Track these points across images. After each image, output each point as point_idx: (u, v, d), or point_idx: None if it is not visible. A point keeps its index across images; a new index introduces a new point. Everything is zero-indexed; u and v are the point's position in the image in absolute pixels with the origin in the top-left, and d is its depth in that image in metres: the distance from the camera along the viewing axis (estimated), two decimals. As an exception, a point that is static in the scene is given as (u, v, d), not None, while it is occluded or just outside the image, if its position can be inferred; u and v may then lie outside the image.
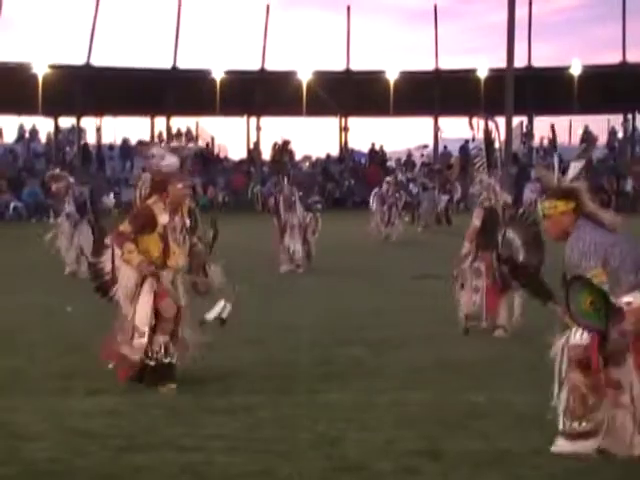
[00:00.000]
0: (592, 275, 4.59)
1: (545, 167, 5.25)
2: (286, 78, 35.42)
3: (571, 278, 4.63)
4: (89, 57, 34.50)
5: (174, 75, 35.41)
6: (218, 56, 36.09)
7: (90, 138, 37.50)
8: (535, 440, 5.02)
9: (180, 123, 38.19)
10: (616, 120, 37.27)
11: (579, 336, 4.70)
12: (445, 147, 37.23)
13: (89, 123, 37.29)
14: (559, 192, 4.88)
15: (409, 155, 38.83)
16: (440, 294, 9.43)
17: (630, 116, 36.27)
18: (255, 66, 36.20)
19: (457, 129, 37.60)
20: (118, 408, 5.79)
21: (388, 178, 21.53)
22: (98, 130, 37.23)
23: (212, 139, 38.80)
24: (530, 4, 35.02)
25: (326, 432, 5.27)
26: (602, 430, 4.73)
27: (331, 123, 38.32)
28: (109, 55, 35.93)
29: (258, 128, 36.56)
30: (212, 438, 5.14)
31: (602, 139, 37.46)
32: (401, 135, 46.40)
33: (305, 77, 35.20)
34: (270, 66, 36.31)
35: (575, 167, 4.99)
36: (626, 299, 4.57)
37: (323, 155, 37.66)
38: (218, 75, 34.76)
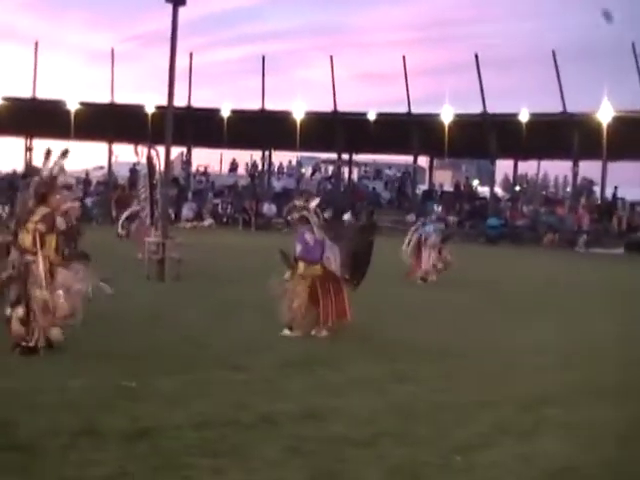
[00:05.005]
0: None
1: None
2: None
3: None
4: None
5: None
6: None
7: None
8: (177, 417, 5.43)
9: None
10: (257, 154, 39.62)
11: None
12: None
13: None
14: None
15: (87, 174, 38.82)
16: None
17: (267, 152, 38.53)
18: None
19: (128, 154, 37.63)
20: None
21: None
22: None
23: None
24: (190, 55, 36.32)
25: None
26: None
27: (18, 144, 37.10)
28: None
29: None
30: None
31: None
32: (80, 157, 45.47)
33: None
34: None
35: None
36: None
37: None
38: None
